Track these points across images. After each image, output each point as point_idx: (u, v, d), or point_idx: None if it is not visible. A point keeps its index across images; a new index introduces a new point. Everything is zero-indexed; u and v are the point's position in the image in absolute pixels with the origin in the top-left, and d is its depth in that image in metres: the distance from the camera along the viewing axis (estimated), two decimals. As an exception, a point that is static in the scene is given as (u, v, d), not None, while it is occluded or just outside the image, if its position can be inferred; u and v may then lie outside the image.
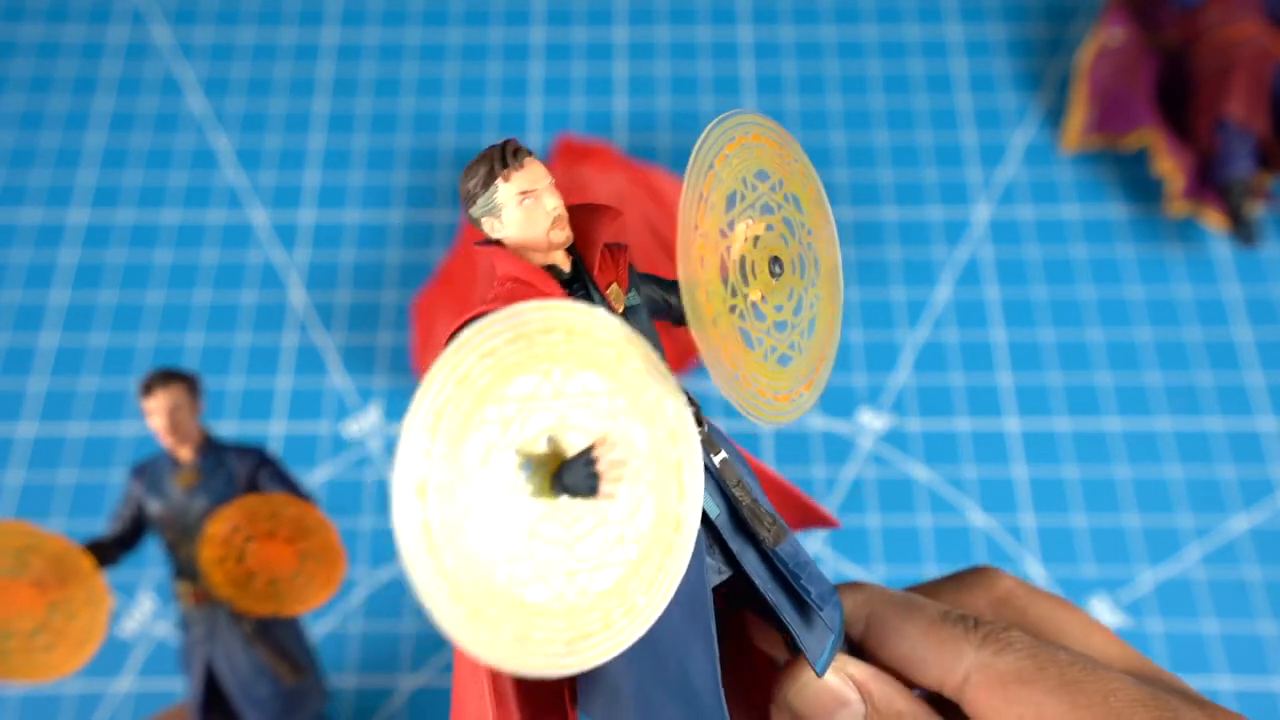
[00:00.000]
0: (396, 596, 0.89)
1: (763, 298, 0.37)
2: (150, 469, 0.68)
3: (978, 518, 0.91)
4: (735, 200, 0.36)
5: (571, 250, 0.38)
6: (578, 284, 0.38)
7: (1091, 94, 1.06)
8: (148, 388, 0.66)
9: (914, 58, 1.15)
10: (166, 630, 0.88)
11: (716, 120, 0.35)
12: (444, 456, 0.31)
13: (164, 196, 1.08)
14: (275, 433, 0.96)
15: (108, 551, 0.66)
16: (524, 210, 0.37)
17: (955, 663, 0.39)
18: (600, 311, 0.33)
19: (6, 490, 0.94)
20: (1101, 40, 1.08)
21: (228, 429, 0.95)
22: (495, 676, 0.36)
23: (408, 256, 1.05)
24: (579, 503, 0.32)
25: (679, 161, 1.08)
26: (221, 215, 1.07)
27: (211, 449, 0.68)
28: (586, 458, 0.32)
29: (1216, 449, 0.94)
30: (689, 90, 1.13)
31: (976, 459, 0.94)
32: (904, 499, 0.92)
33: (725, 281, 0.36)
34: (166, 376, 0.66)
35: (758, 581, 0.38)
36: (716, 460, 0.38)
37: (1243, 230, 0.98)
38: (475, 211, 0.37)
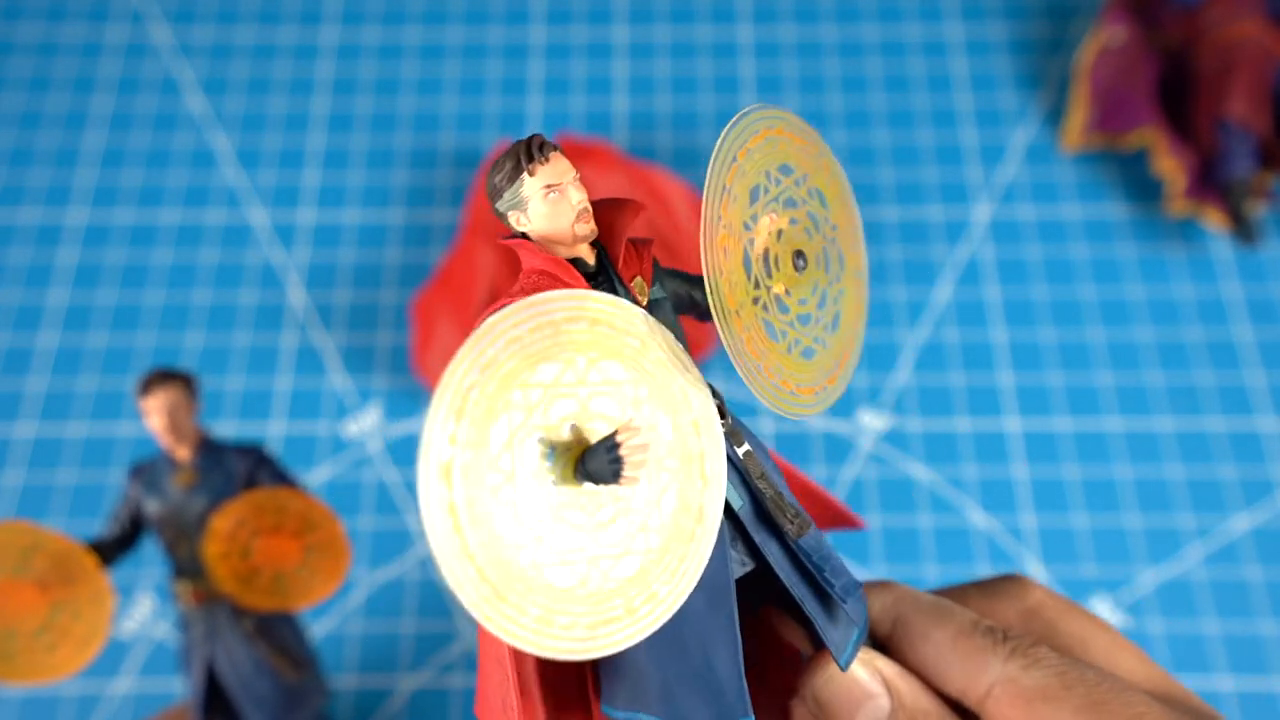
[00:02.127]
0: (396, 596, 0.89)
1: (786, 291, 0.37)
2: (148, 469, 0.68)
3: (978, 518, 0.91)
4: (759, 193, 0.36)
5: (596, 245, 0.39)
6: (602, 277, 0.38)
7: (1092, 93, 1.06)
8: (145, 387, 0.66)
9: (914, 57, 1.15)
10: (165, 631, 0.88)
11: (742, 113, 0.35)
12: (469, 440, 0.31)
13: (163, 196, 1.08)
14: (274, 433, 0.96)
15: (107, 552, 0.66)
16: (549, 204, 0.37)
17: (980, 675, 0.39)
18: (624, 303, 0.34)
19: (5, 491, 0.94)
20: (1102, 40, 1.08)
21: (227, 429, 0.95)
22: (520, 668, 0.36)
23: (407, 256, 1.05)
24: (602, 490, 0.33)
25: (679, 161, 1.08)
26: (221, 215, 1.07)
27: (209, 449, 0.68)
28: (609, 443, 0.32)
29: (1217, 449, 0.94)
30: (689, 90, 1.13)
31: (976, 459, 0.94)
32: (904, 499, 0.92)
33: (749, 273, 0.36)
34: (164, 376, 0.66)
35: (781, 573, 0.38)
36: (740, 452, 0.38)
37: (1243, 230, 0.98)
38: (502, 205, 0.38)
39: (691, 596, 0.34)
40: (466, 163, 1.09)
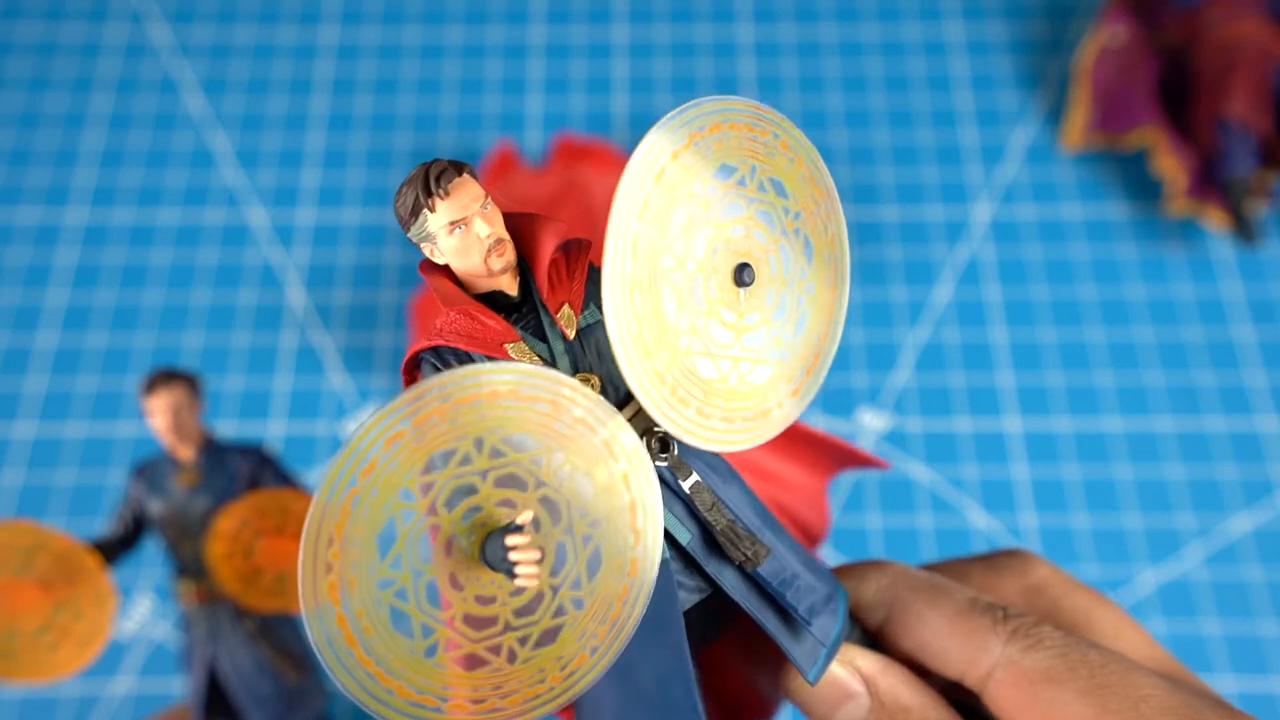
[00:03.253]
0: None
1: (724, 315, 0.34)
2: (151, 469, 0.68)
3: (978, 518, 0.91)
4: (682, 220, 0.33)
5: (521, 265, 0.37)
6: (527, 307, 0.36)
7: (1092, 93, 1.06)
8: (150, 387, 0.66)
9: (914, 57, 1.14)
10: (165, 631, 0.88)
11: (658, 124, 0.31)
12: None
13: (162, 196, 1.08)
14: (274, 433, 0.95)
15: (109, 551, 0.66)
16: (457, 239, 0.35)
17: (980, 656, 0.38)
18: (527, 369, 0.32)
19: (5, 491, 0.93)
20: (1102, 40, 1.08)
21: (226, 429, 0.95)
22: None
23: (406, 257, 1.04)
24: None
25: (679, 161, 1.08)
26: (220, 215, 1.07)
27: (212, 449, 0.68)
28: (501, 542, 0.32)
29: (1217, 449, 0.94)
30: (689, 90, 1.13)
31: (977, 459, 0.94)
32: (904, 499, 0.92)
33: (670, 315, 0.33)
34: (169, 376, 0.67)
35: (739, 599, 0.37)
36: (687, 486, 0.36)
37: (1244, 229, 0.97)
38: (412, 236, 0.36)
39: (638, 630, 0.34)
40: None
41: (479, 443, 0.32)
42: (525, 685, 0.32)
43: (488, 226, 0.35)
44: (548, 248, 0.36)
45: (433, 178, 0.34)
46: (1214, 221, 0.99)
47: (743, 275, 0.34)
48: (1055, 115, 1.10)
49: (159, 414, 0.66)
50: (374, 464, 0.31)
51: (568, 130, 1.10)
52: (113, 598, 0.63)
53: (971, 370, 0.98)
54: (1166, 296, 1.01)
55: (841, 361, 0.99)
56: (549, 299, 0.36)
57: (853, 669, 0.39)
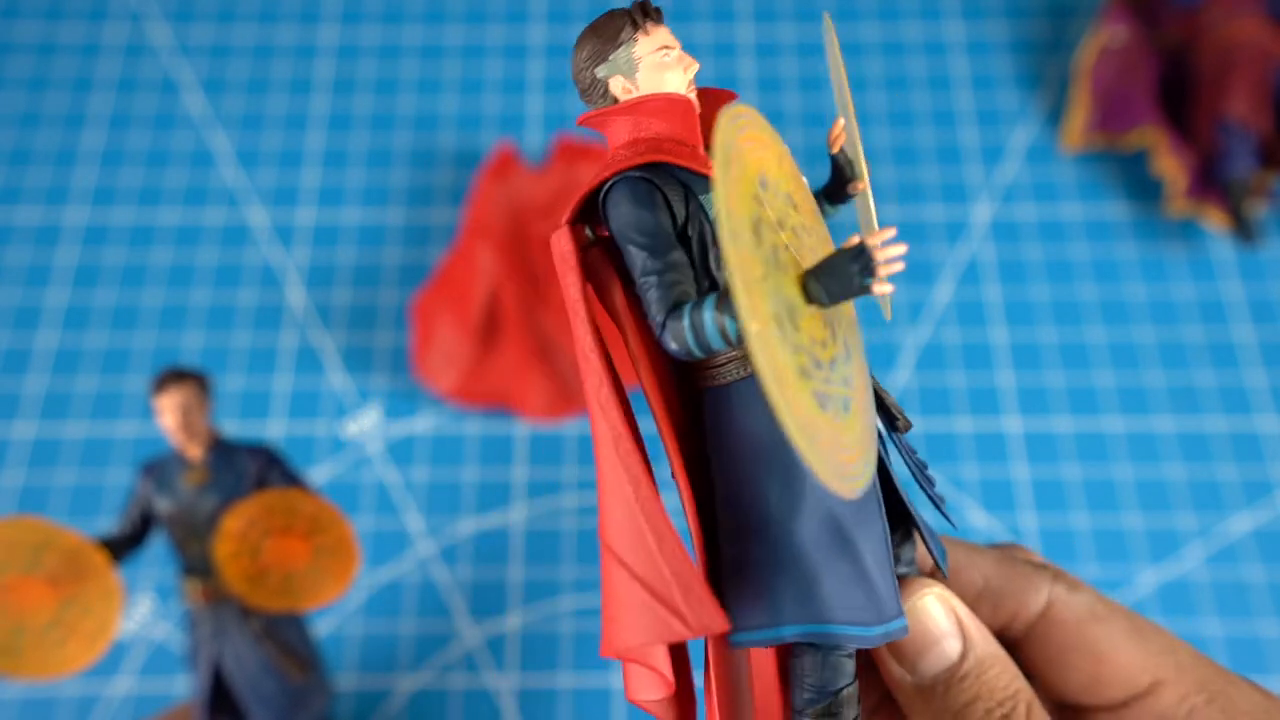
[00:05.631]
0: (396, 597, 0.89)
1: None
2: (159, 467, 0.68)
3: (978, 518, 0.91)
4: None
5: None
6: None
7: (1092, 93, 1.06)
8: (159, 386, 0.66)
9: (914, 57, 1.14)
10: (165, 631, 0.88)
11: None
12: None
13: (162, 196, 1.08)
14: (274, 433, 0.95)
15: (116, 549, 0.66)
16: (664, 66, 0.35)
17: (1031, 595, 0.38)
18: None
19: (5, 491, 0.93)
20: (1102, 40, 1.08)
21: (227, 429, 0.94)
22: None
23: (406, 256, 1.04)
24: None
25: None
26: (220, 215, 1.07)
27: (221, 448, 0.68)
28: (857, 251, 0.30)
29: (1217, 449, 0.94)
30: (689, 90, 1.13)
31: (977, 459, 0.94)
32: (904, 499, 0.92)
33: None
34: (178, 375, 0.67)
35: (896, 469, 0.37)
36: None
37: (1243, 230, 0.98)
38: (604, 70, 0.36)
39: (847, 502, 0.33)
40: (466, 163, 1.09)
41: (768, 183, 0.32)
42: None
43: (691, 61, 0.36)
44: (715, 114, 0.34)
45: (645, 8, 0.36)
46: (1214, 221, 0.99)
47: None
48: (1055, 115, 1.10)
49: (168, 412, 0.66)
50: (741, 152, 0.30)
51: (568, 130, 1.10)
52: (120, 595, 0.63)
53: (971, 370, 0.98)
54: (1166, 296, 1.01)
55: (841, 361, 0.99)
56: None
57: (949, 607, 0.38)
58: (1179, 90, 1.06)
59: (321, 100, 1.13)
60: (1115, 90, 1.05)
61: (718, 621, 0.31)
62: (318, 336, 1.00)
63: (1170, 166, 1.01)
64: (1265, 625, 0.86)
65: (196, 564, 0.68)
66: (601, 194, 0.35)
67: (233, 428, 0.95)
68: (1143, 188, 1.06)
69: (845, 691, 0.35)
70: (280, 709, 0.69)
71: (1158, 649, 0.37)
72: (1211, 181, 1.00)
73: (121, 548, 0.67)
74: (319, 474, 0.94)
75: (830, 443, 0.29)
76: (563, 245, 0.35)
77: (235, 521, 0.64)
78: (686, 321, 0.32)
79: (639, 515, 0.33)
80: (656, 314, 0.33)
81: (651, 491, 0.33)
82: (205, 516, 0.66)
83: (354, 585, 0.88)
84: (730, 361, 0.34)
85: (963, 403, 0.96)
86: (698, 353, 0.33)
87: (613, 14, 0.35)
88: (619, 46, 0.35)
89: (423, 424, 0.96)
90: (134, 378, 0.98)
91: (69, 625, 0.61)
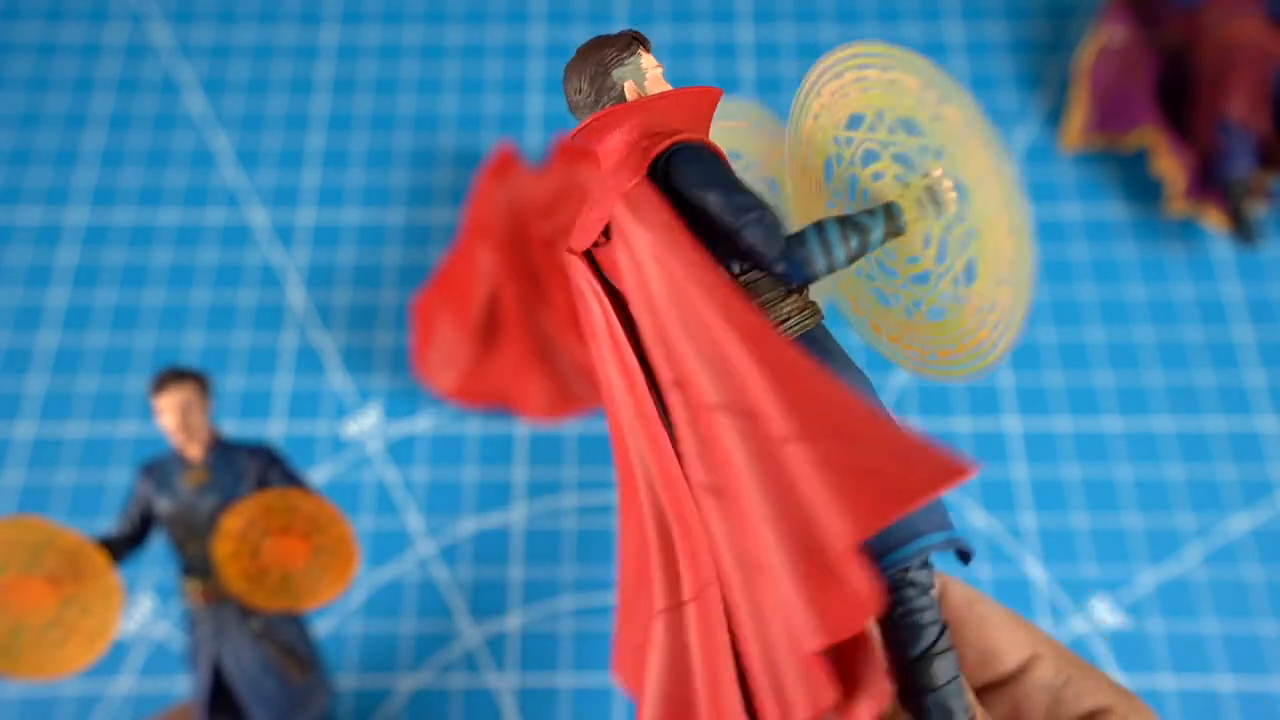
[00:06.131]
0: (396, 597, 0.89)
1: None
2: (159, 467, 0.68)
3: (978, 518, 0.91)
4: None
5: None
6: None
7: (1092, 93, 1.06)
8: (159, 386, 0.66)
9: (914, 57, 1.14)
10: (165, 631, 0.88)
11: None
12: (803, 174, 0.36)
13: (162, 196, 1.08)
14: (274, 433, 0.96)
15: (116, 549, 0.66)
16: (661, 81, 0.39)
17: (1027, 644, 0.41)
18: (932, 70, 0.37)
19: (5, 491, 0.94)
20: (1102, 40, 1.08)
21: (227, 429, 0.94)
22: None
23: (407, 256, 1.05)
24: (907, 242, 0.36)
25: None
26: (220, 215, 1.07)
27: (221, 448, 0.68)
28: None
29: (1217, 449, 0.94)
30: (689, 90, 1.13)
31: (977, 459, 0.94)
32: (904, 499, 0.92)
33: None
34: (178, 375, 0.67)
35: None
36: None
37: (1243, 230, 0.98)
38: (620, 74, 0.39)
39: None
40: (466, 163, 1.09)
41: (880, 115, 0.35)
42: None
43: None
44: None
45: (643, 36, 0.41)
46: (1213, 221, 1.00)
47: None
48: (1055, 115, 1.10)
49: (168, 412, 0.66)
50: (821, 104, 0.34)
51: (568, 130, 1.10)
52: (120, 595, 0.63)
53: (971, 370, 0.98)
54: (1166, 296, 1.01)
55: (841, 361, 0.99)
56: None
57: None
58: (1179, 90, 1.06)
59: (322, 100, 1.13)
60: (1115, 90, 1.05)
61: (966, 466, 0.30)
62: (318, 336, 1.01)
63: (1170, 166, 1.01)
64: (1265, 625, 0.86)
65: (196, 564, 0.68)
66: (659, 166, 0.36)
67: (233, 428, 0.95)
68: (1142, 188, 1.06)
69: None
70: (280, 709, 0.69)
71: (1029, 629, 0.40)
72: (1211, 181, 1.00)
73: (121, 548, 0.67)
74: (319, 474, 0.94)
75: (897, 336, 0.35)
76: (583, 273, 0.38)
77: (235, 521, 0.64)
78: (815, 242, 0.35)
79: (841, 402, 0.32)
80: (773, 244, 0.34)
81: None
82: (205, 516, 0.66)
83: (353, 585, 0.89)
84: (792, 316, 0.36)
85: (962, 403, 0.96)
86: (824, 272, 0.35)
87: (609, 37, 0.39)
88: (633, 55, 0.39)
89: (423, 424, 0.96)
90: (134, 378, 0.98)
91: (68, 625, 0.61)
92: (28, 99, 1.13)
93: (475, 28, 1.18)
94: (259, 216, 1.07)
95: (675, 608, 0.34)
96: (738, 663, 0.33)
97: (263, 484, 0.68)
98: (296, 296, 1.02)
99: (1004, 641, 0.40)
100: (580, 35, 1.17)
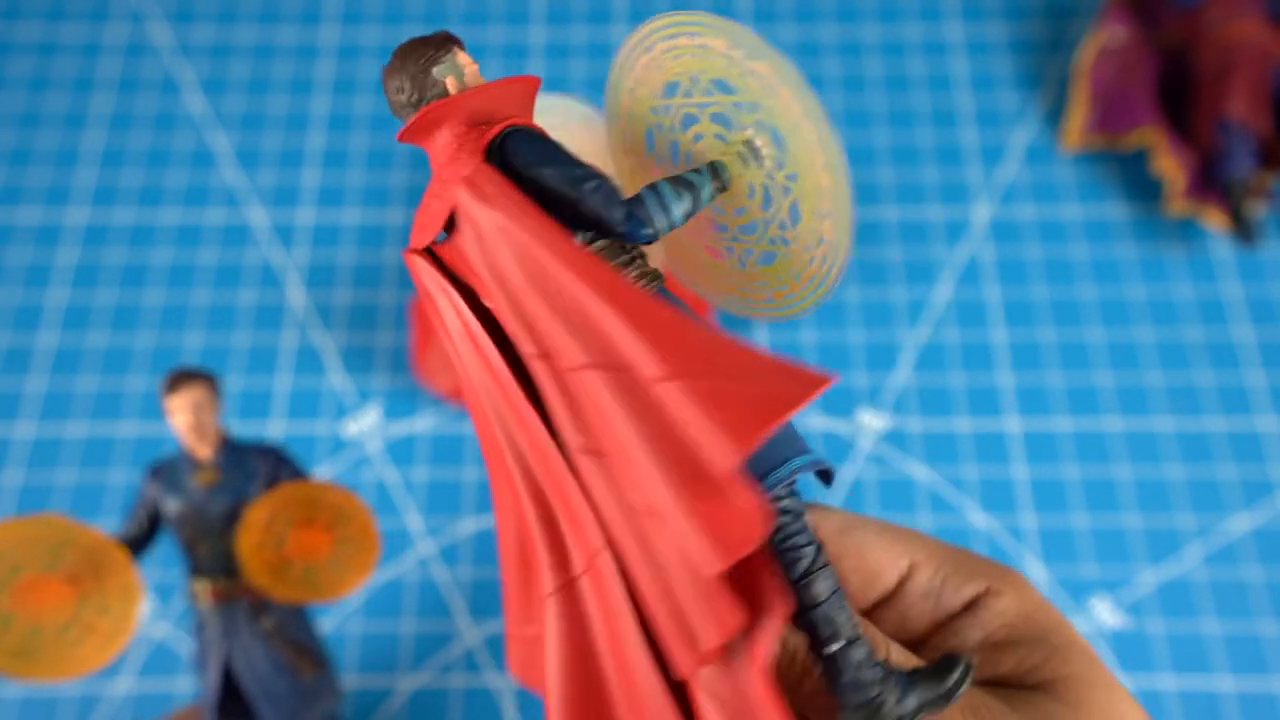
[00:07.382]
0: (396, 597, 0.89)
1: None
2: (168, 468, 0.68)
3: (978, 518, 0.91)
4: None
5: None
6: None
7: (1092, 93, 1.06)
8: (171, 386, 0.66)
9: (914, 57, 1.14)
10: (165, 631, 0.88)
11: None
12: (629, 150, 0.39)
13: (162, 196, 1.08)
14: (274, 433, 0.96)
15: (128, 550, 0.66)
16: (478, 76, 0.41)
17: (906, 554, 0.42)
18: (741, 33, 0.38)
19: (5, 491, 0.94)
20: (1102, 40, 1.08)
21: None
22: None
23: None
24: (731, 196, 0.38)
25: (679, 161, 1.08)
26: (220, 215, 1.07)
27: (230, 448, 0.69)
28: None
29: (1217, 449, 0.94)
30: (689, 90, 1.13)
31: (976, 459, 0.94)
32: (904, 499, 0.92)
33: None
34: (189, 375, 0.67)
35: None
36: None
37: (1243, 230, 0.98)
38: (440, 71, 0.40)
39: None
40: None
41: (694, 79, 0.36)
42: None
43: None
44: None
45: (449, 33, 0.42)
46: (1214, 222, 1.00)
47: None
48: (1055, 115, 1.10)
49: (180, 413, 0.66)
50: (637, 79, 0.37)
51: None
52: (140, 592, 0.63)
53: (971, 370, 0.98)
54: (1166, 296, 1.01)
55: (841, 362, 0.99)
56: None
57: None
58: (1179, 90, 1.06)
59: (322, 100, 1.13)
60: (1115, 90, 1.05)
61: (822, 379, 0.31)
62: (318, 336, 1.01)
63: (1170, 166, 1.01)
64: (1265, 625, 0.86)
65: (206, 565, 0.68)
66: (494, 150, 0.37)
67: (233, 428, 0.95)
68: (1142, 188, 1.06)
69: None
70: (291, 707, 0.69)
71: (906, 538, 0.41)
72: (1211, 182, 1.00)
73: (131, 549, 0.67)
74: (319, 474, 0.94)
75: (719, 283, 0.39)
76: (425, 268, 0.39)
77: (259, 513, 0.64)
78: (652, 202, 0.36)
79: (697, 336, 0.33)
80: (614, 208, 0.35)
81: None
82: (216, 517, 0.67)
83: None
84: (638, 282, 0.37)
85: (962, 403, 0.96)
86: (665, 230, 0.36)
87: (420, 39, 0.41)
88: (450, 52, 0.40)
89: (423, 424, 0.96)
90: (135, 378, 0.98)
91: (86, 624, 0.61)
92: (28, 99, 1.13)
93: (475, 28, 1.18)
94: (259, 216, 1.07)
95: (567, 585, 0.35)
96: (642, 625, 0.33)
97: (273, 484, 0.68)
98: (296, 296, 1.02)
99: (883, 559, 0.41)
100: (580, 35, 1.17)
